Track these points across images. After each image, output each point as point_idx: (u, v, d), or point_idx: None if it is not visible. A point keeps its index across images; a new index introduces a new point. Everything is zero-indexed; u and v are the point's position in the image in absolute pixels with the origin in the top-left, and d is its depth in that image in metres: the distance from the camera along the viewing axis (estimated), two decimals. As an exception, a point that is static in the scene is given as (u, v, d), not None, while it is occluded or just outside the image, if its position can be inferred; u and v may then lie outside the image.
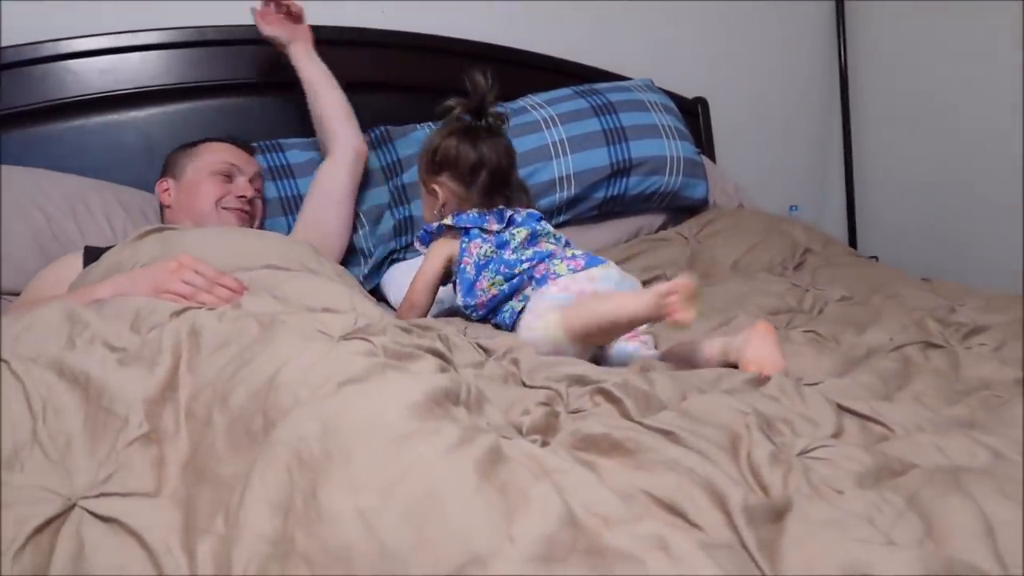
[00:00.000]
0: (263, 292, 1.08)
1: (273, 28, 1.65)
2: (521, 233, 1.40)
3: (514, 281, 1.34)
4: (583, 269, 1.31)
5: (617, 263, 1.74)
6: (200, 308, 0.97)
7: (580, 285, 1.28)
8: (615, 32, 2.33)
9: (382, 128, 1.83)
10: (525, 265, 1.34)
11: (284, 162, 1.73)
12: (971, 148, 2.34)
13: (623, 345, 1.24)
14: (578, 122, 1.92)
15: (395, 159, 1.79)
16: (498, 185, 1.47)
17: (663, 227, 2.03)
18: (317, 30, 1.87)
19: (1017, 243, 2.24)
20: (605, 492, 0.63)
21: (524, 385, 0.98)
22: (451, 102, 1.48)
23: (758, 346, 1.11)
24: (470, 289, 1.38)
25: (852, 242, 2.65)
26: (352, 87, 1.80)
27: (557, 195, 1.87)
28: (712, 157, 2.37)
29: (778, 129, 2.64)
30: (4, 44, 1.61)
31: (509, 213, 1.44)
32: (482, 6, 2.13)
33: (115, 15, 1.73)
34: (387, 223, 1.75)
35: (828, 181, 2.75)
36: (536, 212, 1.49)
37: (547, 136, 1.89)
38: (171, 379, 0.82)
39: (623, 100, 2.01)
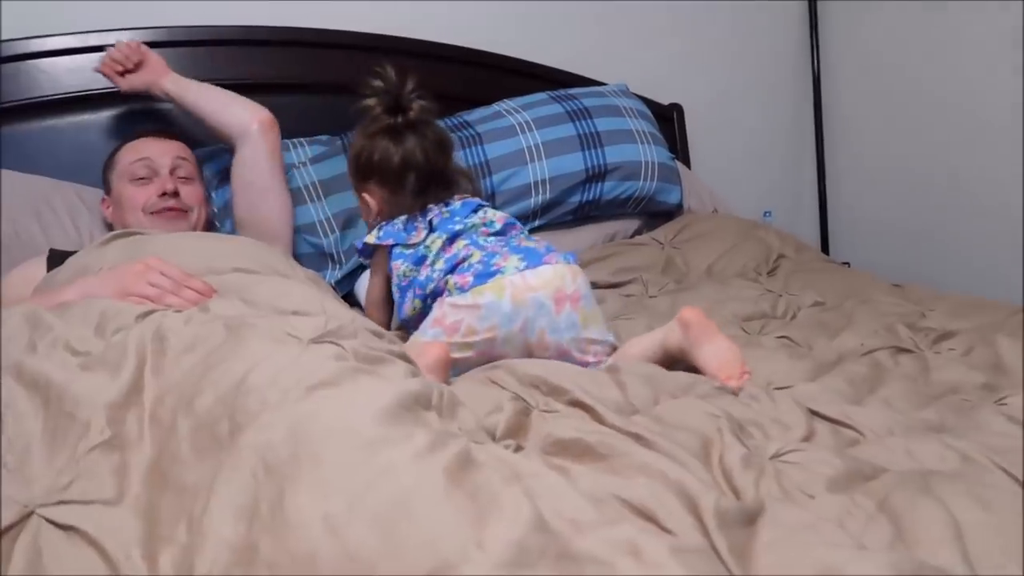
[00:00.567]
0: (232, 295, 1.07)
1: (131, 81, 1.56)
2: (437, 242, 1.28)
3: (428, 301, 1.26)
4: (522, 269, 1.19)
5: (591, 266, 1.76)
6: (167, 311, 0.96)
7: (462, 313, 1.18)
8: (591, 37, 2.33)
9: (347, 134, 1.81)
10: (435, 284, 1.24)
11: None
12: (944, 153, 2.37)
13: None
14: (553, 127, 1.92)
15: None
16: (430, 182, 1.36)
17: (638, 232, 2.03)
18: (297, 32, 1.87)
19: (988, 248, 2.27)
20: (577, 497, 0.62)
21: (499, 387, 0.98)
22: (368, 102, 1.37)
23: (719, 355, 1.11)
24: (401, 309, 1.32)
25: (825, 248, 2.68)
26: (332, 89, 1.79)
27: (532, 199, 1.87)
28: (687, 163, 2.38)
29: (752, 135, 2.66)
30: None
31: (430, 216, 1.33)
32: (458, 9, 2.13)
33: (86, 14, 1.70)
34: (362, 228, 1.73)
35: (801, 187, 2.78)
36: (473, 201, 1.37)
37: (522, 141, 1.88)
38: (135, 383, 0.80)
39: (598, 105, 2.01)
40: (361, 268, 1.69)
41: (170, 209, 1.45)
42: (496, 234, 1.32)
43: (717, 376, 1.08)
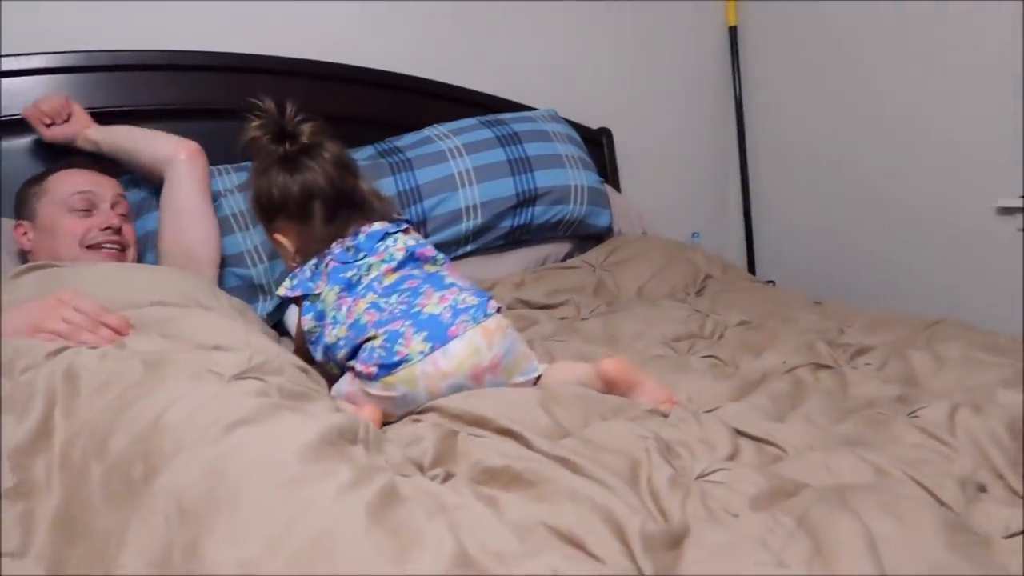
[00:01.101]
0: (151, 330, 1.03)
1: (55, 132, 1.55)
2: (331, 296, 1.20)
3: (338, 362, 1.18)
4: (428, 353, 1.09)
5: (526, 286, 1.77)
6: (80, 348, 0.92)
7: (376, 401, 1.10)
8: (521, 63, 2.36)
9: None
10: (343, 352, 1.16)
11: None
12: (862, 173, 2.48)
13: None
14: (484, 152, 1.94)
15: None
16: (338, 206, 1.27)
17: (570, 255, 2.05)
18: (229, 57, 1.84)
19: (903, 263, 2.38)
20: (501, 528, 0.62)
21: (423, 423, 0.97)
22: (253, 134, 1.29)
23: (649, 395, 1.11)
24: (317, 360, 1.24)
25: (751, 267, 2.75)
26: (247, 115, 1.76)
27: (464, 225, 1.87)
28: (617, 186, 2.42)
29: (679, 159, 2.73)
30: None
31: (327, 260, 1.24)
32: (388, 34, 2.13)
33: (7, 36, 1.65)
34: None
35: (727, 209, 2.86)
36: (378, 231, 1.27)
37: (453, 166, 1.89)
38: (44, 426, 0.77)
39: (528, 130, 2.04)
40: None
41: (112, 243, 1.43)
42: (397, 269, 1.23)
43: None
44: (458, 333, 1.12)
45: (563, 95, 2.38)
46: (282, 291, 1.26)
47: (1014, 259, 2.11)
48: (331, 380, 1.19)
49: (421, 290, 1.19)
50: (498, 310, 1.19)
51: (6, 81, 1.61)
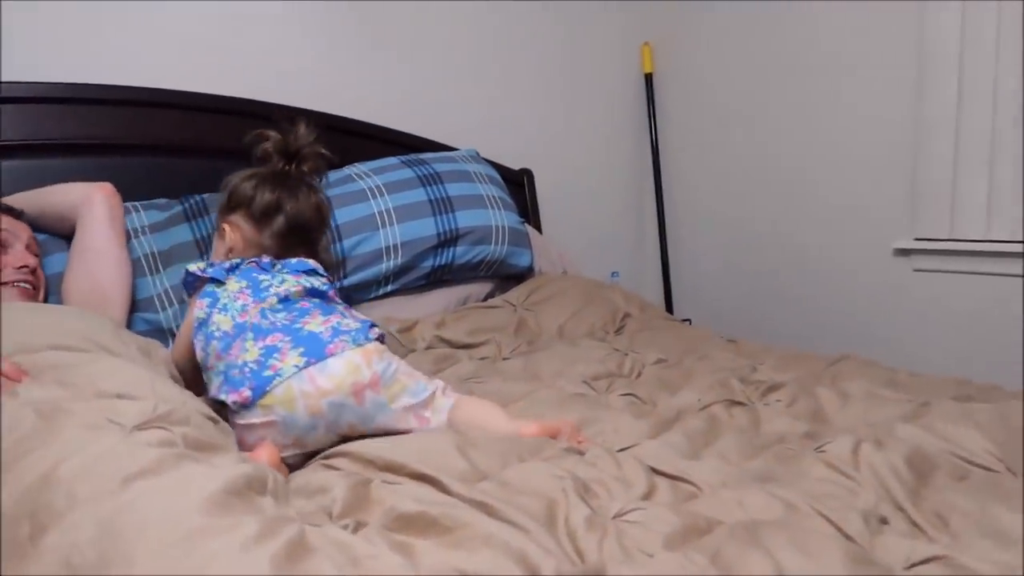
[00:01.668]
0: (47, 376, 0.98)
1: None
2: (235, 285, 1.23)
3: (208, 360, 1.17)
4: (302, 367, 1.09)
5: (445, 328, 1.76)
6: (-34, 399, 0.86)
7: (260, 431, 1.07)
8: (443, 104, 2.38)
9: (198, 197, 1.74)
10: (211, 357, 1.16)
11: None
12: (771, 215, 2.58)
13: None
14: (405, 192, 1.93)
15: (211, 231, 1.70)
16: (294, 233, 1.35)
17: (491, 294, 2.06)
18: (135, 91, 1.79)
19: (812, 301, 2.48)
20: (414, 578, 0.61)
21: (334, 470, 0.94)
22: (266, 145, 1.41)
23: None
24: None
25: (668, 306, 2.82)
26: (167, 151, 1.72)
27: (384, 264, 1.86)
28: (537, 226, 2.46)
29: (598, 200, 2.80)
30: None
31: (246, 264, 1.28)
32: (310, 73, 2.12)
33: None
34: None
35: (645, 249, 2.93)
36: (308, 263, 1.31)
37: (373, 206, 1.88)
38: (-78, 484, 0.71)
39: (449, 171, 2.05)
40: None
41: (27, 282, 1.38)
42: (304, 296, 1.24)
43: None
44: (335, 352, 1.11)
45: (484, 137, 2.42)
46: (193, 267, 1.28)
47: (910, 297, 2.23)
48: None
49: (309, 312, 1.21)
50: (380, 338, 1.20)
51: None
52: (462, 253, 1.96)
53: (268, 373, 1.08)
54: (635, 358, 1.60)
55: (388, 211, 1.88)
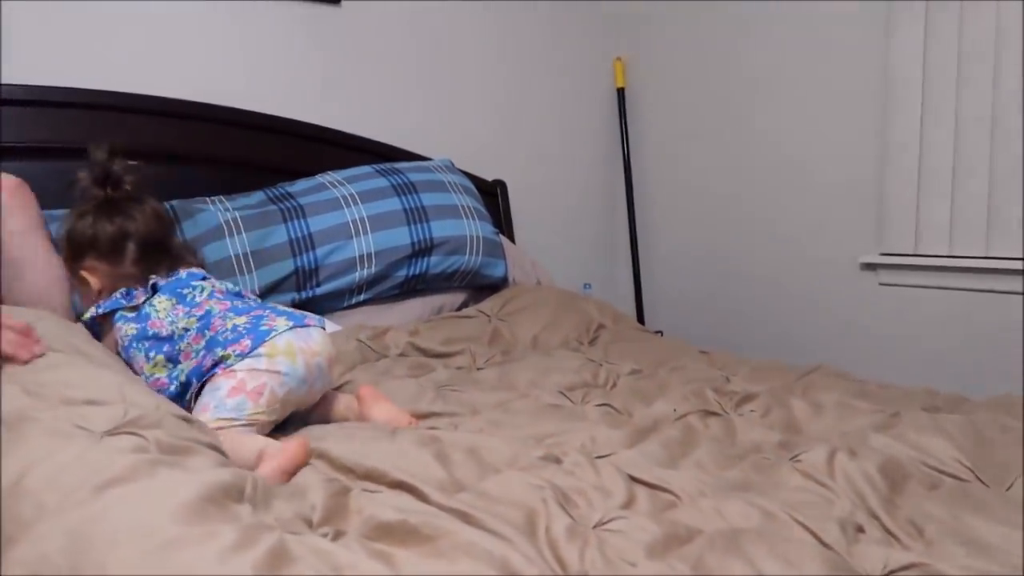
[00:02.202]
0: (13, 384, 0.95)
1: None
2: (164, 303, 1.28)
3: (177, 359, 1.22)
4: (291, 327, 1.21)
5: (419, 337, 1.74)
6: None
7: (264, 377, 1.16)
8: (417, 115, 2.38)
9: (167, 204, 1.71)
10: (187, 342, 1.22)
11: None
12: (737, 232, 2.61)
13: None
14: (379, 201, 1.92)
15: (180, 239, 1.67)
16: (151, 251, 1.35)
17: (465, 304, 2.05)
18: (114, 96, 1.76)
19: (780, 314, 2.51)
20: (397, 587, 0.60)
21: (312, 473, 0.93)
22: (79, 176, 1.36)
23: (382, 411, 1.22)
24: (136, 367, 1.26)
25: (639, 317, 2.84)
26: (144, 156, 1.69)
27: (358, 273, 1.84)
28: (511, 238, 2.45)
29: (571, 212, 2.81)
30: None
31: (153, 281, 1.31)
32: (282, 81, 2.10)
33: None
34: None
35: (617, 260, 2.95)
36: (198, 272, 1.37)
37: (347, 214, 1.86)
38: None
39: (424, 180, 2.04)
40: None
41: None
42: (235, 295, 1.34)
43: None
44: (310, 325, 1.26)
45: (459, 148, 2.42)
46: (89, 314, 1.30)
47: (876, 310, 2.27)
48: None
49: (265, 303, 1.34)
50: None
51: None
52: (436, 263, 1.95)
53: (264, 328, 1.19)
54: (610, 368, 1.60)
55: (362, 220, 1.87)
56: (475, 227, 2.04)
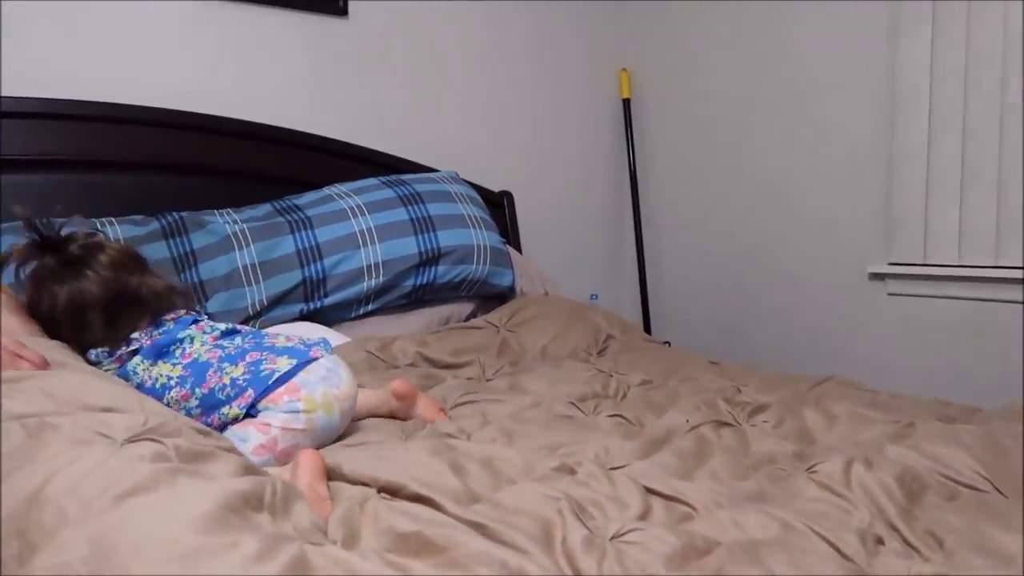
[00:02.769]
0: (32, 388, 0.94)
1: None
2: (143, 365, 1.16)
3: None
4: (252, 402, 1.09)
5: (427, 347, 1.74)
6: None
7: (297, 437, 1.09)
8: (424, 127, 2.39)
9: (176, 215, 1.71)
10: (169, 393, 1.12)
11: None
12: (745, 242, 2.61)
13: None
14: (386, 211, 1.92)
15: (188, 250, 1.67)
16: (119, 310, 1.19)
17: (472, 315, 2.05)
18: (117, 108, 1.76)
19: (786, 326, 2.51)
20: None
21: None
22: (16, 248, 1.18)
23: (420, 403, 1.27)
24: None
25: (646, 327, 2.83)
26: (151, 168, 1.70)
27: (366, 283, 1.84)
28: (518, 248, 2.46)
29: (578, 222, 2.81)
30: None
31: (135, 344, 1.19)
32: (290, 93, 2.11)
33: None
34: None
35: (623, 271, 2.95)
36: (187, 318, 1.24)
37: (354, 224, 1.86)
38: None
39: (430, 191, 2.04)
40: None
41: None
42: (226, 335, 1.21)
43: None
44: (318, 356, 1.17)
45: (465, 160, 2.42)
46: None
47: (884, 320, 2.27)
48: None
49: (263, 333, 1.23)
50: None
51: None
52: (444, 272, 1.96)
53: (265, 372, 1.11)
54: (620, 379, 1.59)
55: (370, 230, 1.87)
56: (482, 236, 2.04)
